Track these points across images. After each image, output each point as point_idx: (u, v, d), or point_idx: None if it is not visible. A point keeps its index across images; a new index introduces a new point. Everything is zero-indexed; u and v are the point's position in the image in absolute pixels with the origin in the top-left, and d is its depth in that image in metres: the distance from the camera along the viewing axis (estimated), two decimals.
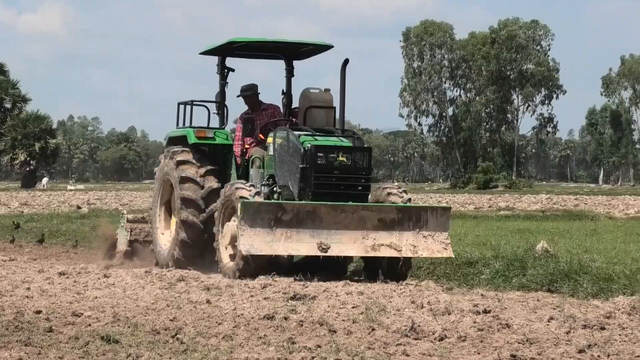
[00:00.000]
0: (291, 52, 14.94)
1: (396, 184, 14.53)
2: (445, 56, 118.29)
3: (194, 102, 14.81)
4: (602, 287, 11.72)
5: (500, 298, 10.67)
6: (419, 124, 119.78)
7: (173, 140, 15.09)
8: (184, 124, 14.81)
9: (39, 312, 9.04)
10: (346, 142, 13.24)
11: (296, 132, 13.29)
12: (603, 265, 12.52)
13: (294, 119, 14.35)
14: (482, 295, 10.90)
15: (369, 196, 13.28)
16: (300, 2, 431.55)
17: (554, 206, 39.26)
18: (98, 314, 9.02)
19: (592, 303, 10.36)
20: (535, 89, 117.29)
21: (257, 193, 12.79)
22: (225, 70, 14.63)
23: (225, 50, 14.49)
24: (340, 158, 12.93)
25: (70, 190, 71.15)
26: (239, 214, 12.24)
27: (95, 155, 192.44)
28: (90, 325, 8.48)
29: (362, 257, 13.40)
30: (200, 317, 8.96)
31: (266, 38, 14.58)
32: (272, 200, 13.04)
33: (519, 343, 7.85)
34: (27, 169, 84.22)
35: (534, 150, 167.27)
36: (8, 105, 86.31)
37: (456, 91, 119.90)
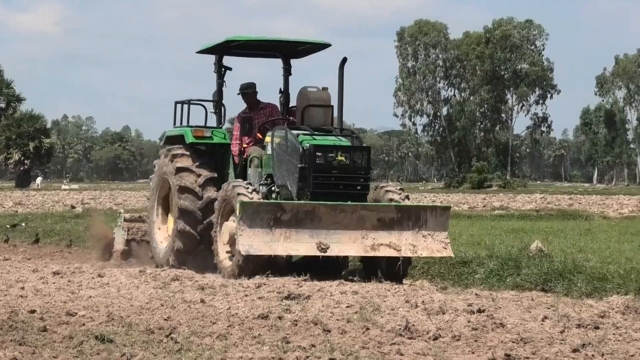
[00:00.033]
0: (288, 51, 14.89)
1: (391, 183, 14.47)
2: (440, 56, 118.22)
3: (191, 101, 14.78)
4: (596, 287, 11.73)
5: (495, 297, 10.68)
6: (414, 124, 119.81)
7: (170, 140, 15.02)
8: (181, 123, 14.77)
9: (33, 311, 9.02)
10: (345, 142, 13.19)
11: (295, 132, 13.22)
12: (597, 265, 12.53)
13: (291, 118, 14.30)
14: (476, 294, 10.90)
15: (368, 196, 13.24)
16: (299, 2, 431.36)
17: (548, 206, 39.29)
18: (92, 314, 9.01)
19: (586, 302, 10.37)
20: (530, 88, 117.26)
21: (256, 193, 12.74)
22: (223, 69, 14.57)
23: (223, 49, 14.43)
24: (339, 157, 12.86)
25: (65, 189, 71.15)
26: (237, 214, 12.17)
27: (89, 155, 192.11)
28: (84, 324, 8.46)
29: (360, 257, 13.32)
30: (194, 317, 8.95)
31: (263, 36, 14.50)
32: (271, 200, 12.98)
33: (513, 342, 7.85)
34: (21, 168, 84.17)
35: (528, 150, 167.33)
36: (2, 105, 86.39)
37: (450, 91, 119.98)
